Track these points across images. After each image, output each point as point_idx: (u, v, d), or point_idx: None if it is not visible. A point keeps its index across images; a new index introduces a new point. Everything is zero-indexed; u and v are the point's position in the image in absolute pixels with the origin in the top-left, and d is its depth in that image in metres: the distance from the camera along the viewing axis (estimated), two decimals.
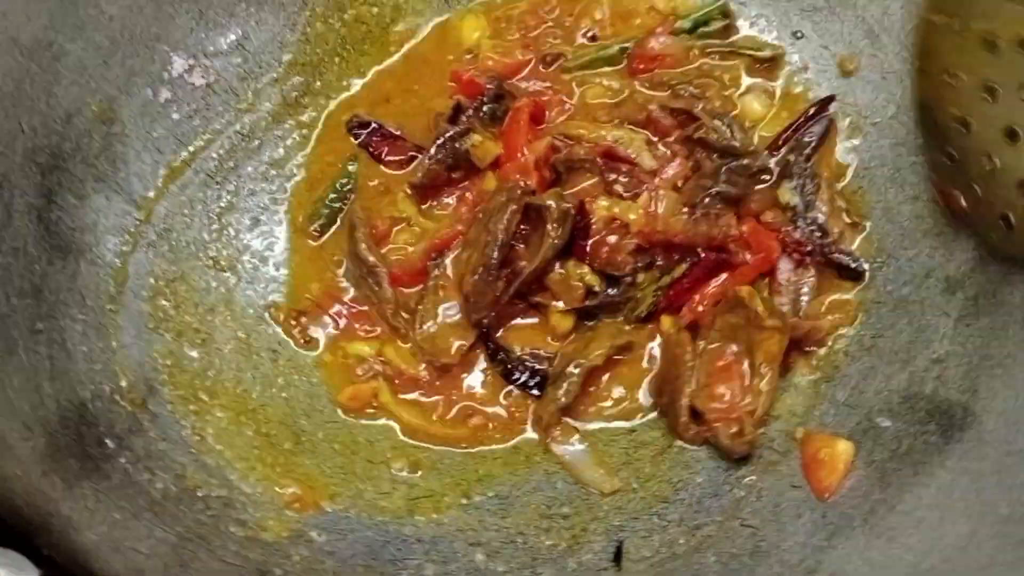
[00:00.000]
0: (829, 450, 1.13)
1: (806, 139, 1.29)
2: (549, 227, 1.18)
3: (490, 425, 1.21)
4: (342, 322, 1.26)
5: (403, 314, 1.23)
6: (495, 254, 1.17)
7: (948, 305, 1.17)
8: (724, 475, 1.17)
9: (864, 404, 1.17)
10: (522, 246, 1.21)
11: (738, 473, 1.17)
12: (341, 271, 1.28)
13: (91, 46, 1.22)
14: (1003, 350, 1.10)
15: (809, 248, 1.22)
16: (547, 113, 1.33)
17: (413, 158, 1.32)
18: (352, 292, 1.27)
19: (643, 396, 1.22)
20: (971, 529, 0.98)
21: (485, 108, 1.29)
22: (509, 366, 1.21)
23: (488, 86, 1.30)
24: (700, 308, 1.20)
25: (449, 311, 1.22)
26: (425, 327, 1.22)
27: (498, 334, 1.23)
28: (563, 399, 1.17)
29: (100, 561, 0.95)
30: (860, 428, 1.15)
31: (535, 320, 1.25)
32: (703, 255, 1.20)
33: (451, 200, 1.30)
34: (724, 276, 1.21)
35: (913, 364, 1.16)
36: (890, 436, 1.12)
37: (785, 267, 1.23)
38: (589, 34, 1.39)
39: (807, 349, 1.22)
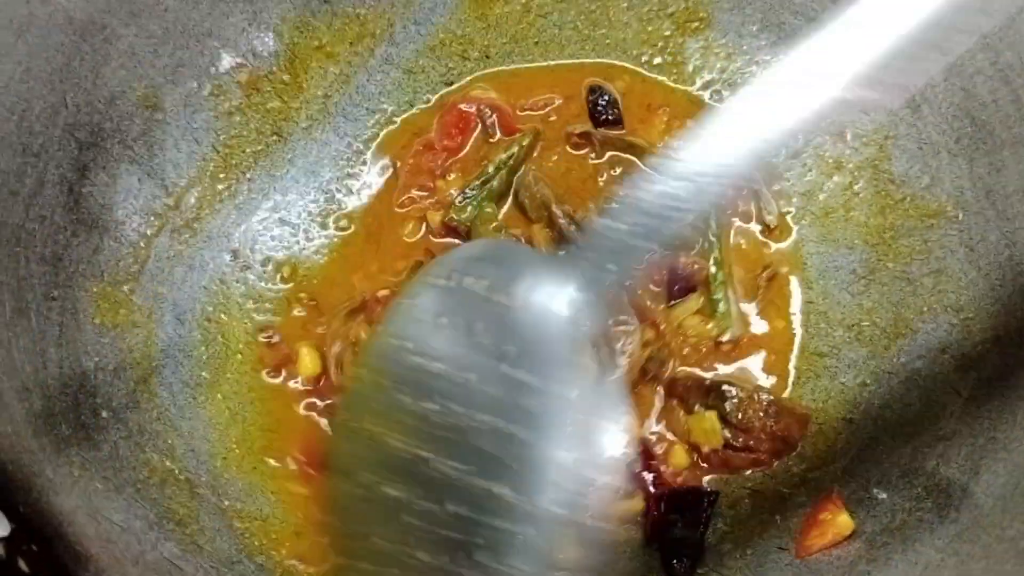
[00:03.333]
0: (831, 516, 1.11)
1: None
2: None
3: None
4: None
5: None
6: None
7: (960, 383, 1.14)
8: (713, 525, 1.15)
9: (862, 474, 1.14)
10: None
11: (726, 528, 1.15)
12: None
13: (143, 33, 1.26)
14: (1009, 433, 1.07)
15: None
16: None
17: None
18: None
19: None
20: None
21: None
22: None
23: None
24: None
25: None
26: None
27: None
28: None
29: (74, 525, 0.97)
30: (855, 497, 1.12)
31: None
32: None
33: None
34: None
35: (918, 439, 1.14)
36: (885, 509, 1.10)
37: None
38: None
39: None
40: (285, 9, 1.37)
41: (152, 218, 1.25)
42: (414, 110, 1.41)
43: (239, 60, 1.34)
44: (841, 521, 1.10)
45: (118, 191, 1.23)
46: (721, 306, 1.26)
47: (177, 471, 1.12)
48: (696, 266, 1.28)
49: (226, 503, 1.13)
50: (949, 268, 1.22)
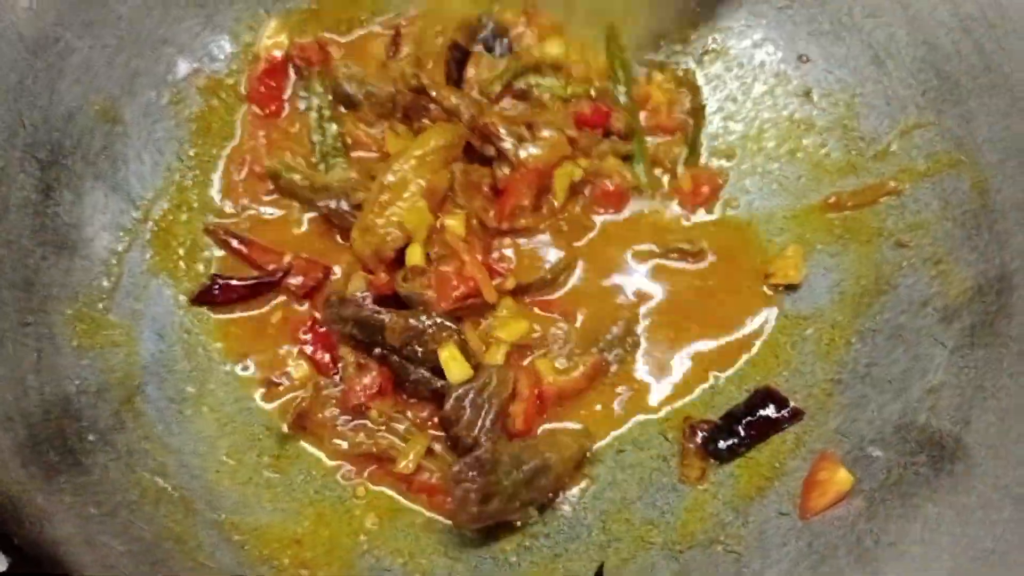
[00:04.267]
0: (829, 474, 1.11)
1: None
2: None
3: None
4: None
5: None
6: None
7: (944, 335, 1.15)
8: (711, 499, 1.16)
9: (856, 433, 1.15)
10: None
11: (725, 498, 1.15)
12: None
13: (98, 44, 1.23)
14: (997, 382, 1.08)
15: None
16: None
17: None
18: None
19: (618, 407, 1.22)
20: (955, 565, 0.97)
21: None
22: None
23: None
24: None
25: None
26: None
27: None
28: None
29: (72, 554, 0.95)
30: (851, 457, 1.13)
31: None
32: None
33: None
34: None
35: (907, 394, 1.14)
36: (880, 466, 1.10)
37: None
38: None
39: None
40: (239, 10, 1.35)
41: (121, 233, 1.23)
42: None
43: (196, 65, 1.32)
44: (840, 477, 1.11)
45: (84, 209, 1.21)
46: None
47: (170, 489, 1.11)
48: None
49: (223, 516, 1.12)
50: (925, 221, 1.22)
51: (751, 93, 1.37)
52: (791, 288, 1.26)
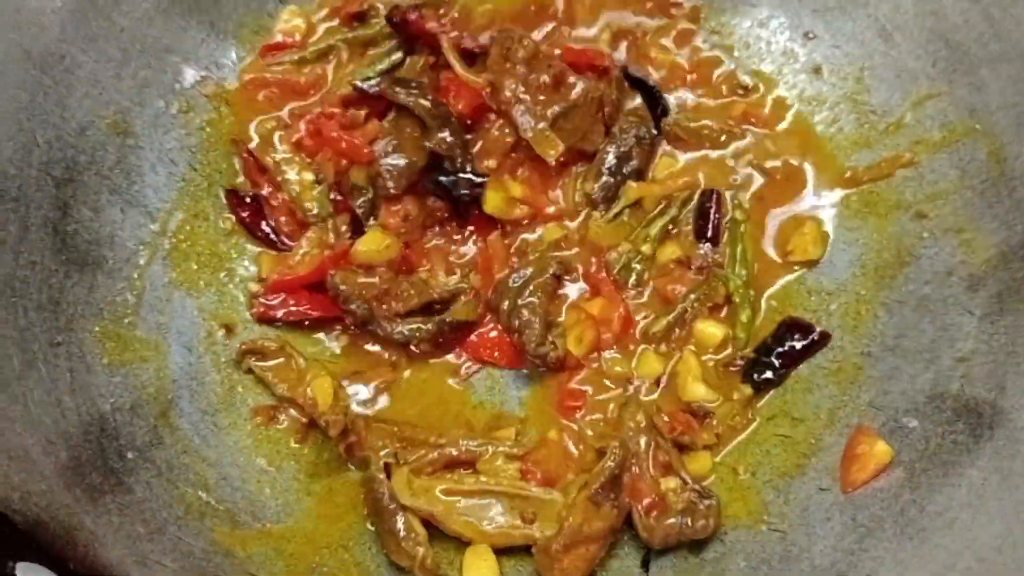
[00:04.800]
0: (867, 448, 1.12)
1: None
2: None
3: None
4: None
5: None
6: None
7: (971, 303, 1.16)
8: (751, 479, 1.16)
9: (890, 405, 1.16)
10: None
11: (765, 477, 1.16)
12: None
13: (103, 58, 1.21)
14: None
15: None
16: None
17: None
18: None
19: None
20: (1006, 528, 0.98)
21: None
22: None
23: None
24: None
25: None
26: None
27: None
28: None
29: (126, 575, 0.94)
30: (887, 429, 1.14)
31: None
32: None
33: None
34: None
35: (938, 363, 1.15)
36: (918, 436, 1.11)
37: None
38: None
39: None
40: (241, 14, 1.33)
41: (141, 247, 1.22)
42: None
43: (203, 72, 1.30)
44: (879, 450, 1.12)
45: (103, 224, 1.19)
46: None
47: (214, 502, 1.10)
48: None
49: (267, 525, 1.11)
50: (944, 191, 1.23)
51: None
52: (811, 264, 1.27)
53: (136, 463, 1.08)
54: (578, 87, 1.24)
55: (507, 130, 1.24)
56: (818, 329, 1.21)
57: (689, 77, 1.36)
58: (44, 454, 1.00)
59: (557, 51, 1.28)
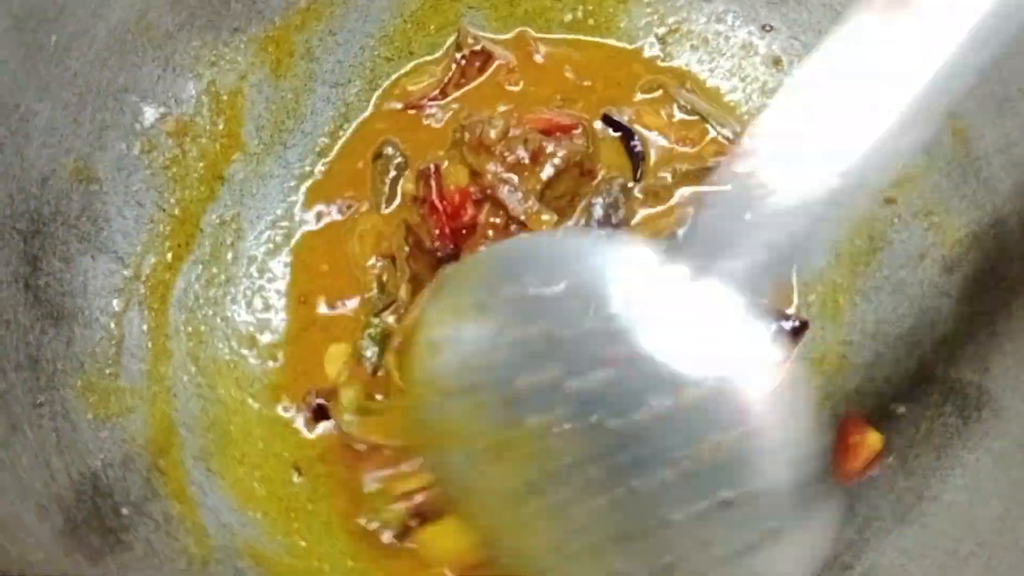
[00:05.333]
0: (859, 438, 1.13)
1: None
2: None
3: None
4: None
5: None
6: None
7: (948, 285, 1.17)
8: None
9: (876, 392, 1.17)
10: None
11: None
12: None
13: (59, 104, 1.18)
14: (1008, 326, 1.11)
15: None
16: None
17: None
18: None
19: None
20: (1004, 510, 0.99)
21: None
22: None
23: None
24: None
25: None
26: None
27: None
28: None
29: None
30: (875, 416, 1.15)
31: None
32: None
33: None
34: None
35: (920, 347, 1.17)
36: (907, 422, 1.13)
37: None
38: None
39: None
40: (195, 47, 1.31)
41: (116, 294, 1.19)
42: (353, 125, 1.37)
43: (162, 110, 1.28)
44: (871, 439, 1.13)
45: (74, 275, 1.16)
46: None
47: (215, 550, 1.09)
48: None
49: (271, 570, 1.10)
50: (910, 176, 1.24)
51: (716, 70, 1.38)
52: None
53: (133, 519, 1.06)
54: (559, 155, 1.23)
55: (499, 214, 1.23)
56: (796, 317, 1.22)
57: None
58: (39, 521, 0.98)
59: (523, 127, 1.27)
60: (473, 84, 1.38)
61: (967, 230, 1.18)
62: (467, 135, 1.24)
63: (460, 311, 0.88)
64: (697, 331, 0.79)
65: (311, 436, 1.20)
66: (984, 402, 1.08)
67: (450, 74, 1.37)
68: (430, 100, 1.37)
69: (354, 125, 1.37)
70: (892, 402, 1.15)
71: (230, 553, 1.09)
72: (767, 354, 0.80)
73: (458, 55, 1.37)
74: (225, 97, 1.32)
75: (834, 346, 1.22)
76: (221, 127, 1.32)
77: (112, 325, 1.18)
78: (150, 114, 1.27)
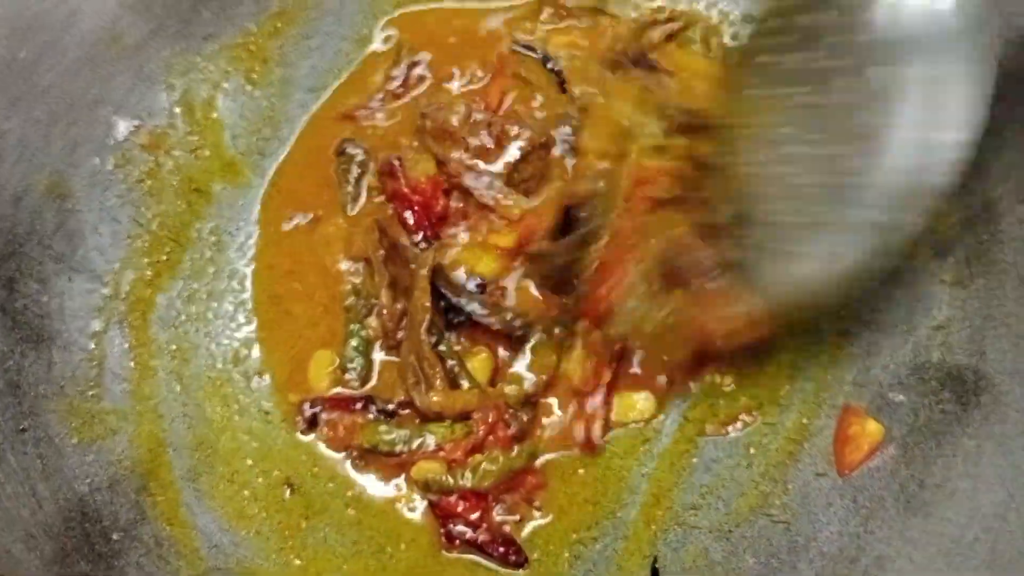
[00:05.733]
0: (859, 428, 1.12)
1: None
2: None
3: None
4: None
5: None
6: None
7: (941, 270, 1.16)
8: (746, 472, 1.16)
9: (874, 381, 1.16)
10: None
11: (760, 469, 1.15)
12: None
13: (30, 121, 1.15)
14: (1003, 309, 1.10)
15: None
16: None
17: None
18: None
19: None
20: (1007, 495, 0.98)
21: None
22: None
23: None
24: None
25: None
26: None
27: None
28: None
29: None
30: (874, 406, 1.14)
31: None
32: None
33: None
34: None
35: (916, 334, 1.15)
36: (906, 410, 1.12)
37: None
38: None
39: None
40: (166, 56, 1.28)
41: (95, 313, 1.17)
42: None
43: (136, 122, 1.25)
44: (871, 429, 1.12)
45: (51, 296, 1.14)
46: None
47: (209, 572, 1.06)
48: None
49: None
50: None
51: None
52: None
53: (123, 543, 1.03)
54: (523, 137, 1.21)
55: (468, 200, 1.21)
56: None
57: None
58: (28, 550, 0.95)
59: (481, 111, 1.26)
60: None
61: (958, 215, 1.17)
62: (429, 123, 1.21)
63: None
64: None
65: (302, 451, 1.17)
66: (983, 387, 1.07)
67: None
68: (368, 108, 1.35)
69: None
70: (891, 390, 1.14)
71: (224, 574, 1.07)
72: None
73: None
74: (199, 107, 1.30)
75: (830, 336, 1.21)
76: (196, 138, 1.29)
77: (92, 346, 1.15)
78: (123, 127, 1.24)
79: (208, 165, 1.29)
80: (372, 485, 1.15)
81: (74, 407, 1.10)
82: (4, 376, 1.05)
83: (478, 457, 1.12)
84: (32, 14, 1.15)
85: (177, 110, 1.28)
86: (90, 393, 1.12)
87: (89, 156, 1.21)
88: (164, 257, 1.23)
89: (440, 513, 1.11)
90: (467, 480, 1.11)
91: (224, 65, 1.31)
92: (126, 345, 1.17)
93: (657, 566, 1.11)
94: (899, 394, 1.13)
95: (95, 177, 1.21)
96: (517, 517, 1.12)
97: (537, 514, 1.13)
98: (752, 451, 1.17)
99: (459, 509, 1.10)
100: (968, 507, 1.00)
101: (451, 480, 1.11)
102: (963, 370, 1.10)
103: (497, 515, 1.12)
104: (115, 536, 1.04)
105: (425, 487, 1.12)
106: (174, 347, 1.20)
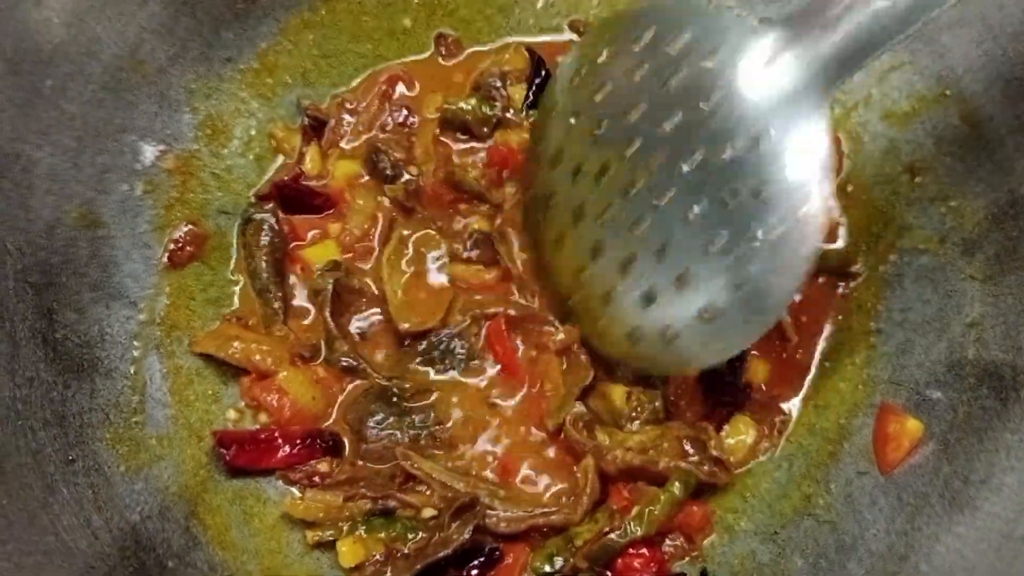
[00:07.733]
0: (899, 426, 1.13)
1: None
2: None
3: None
4: None
5: None
6: None
7: (971, 267, 1.17)
8: (787, 474, 1.16)
9: (909, 379, 1.17)
10: None
11: (801, 470, 1.16)
12: None
13: (58, 150, 1.15)
14: None
15: None
16: None
17: None
18: None
19: None
20: None
21: None
22: None
23: None
24: None
25: None
26: None
27: None
28: None
29: None
30: (912, 404, 1.15)
31: None
32: None
33: None
34: None
35: (949, 331, 1.16)
36: (944, 407, 1.12)
37: None
38: None
39: None
40: (189, 80, 1.27)
41: (133, 340, 1.16)
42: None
43: (161, 147, 1.25)
44: (911, 427, 1.13)
45: (90, 324, 1.13)
46: None
47: None
48: None
49: None
50: (923, 163, 1.24)
51: None
52: None
53: (178, 570, 1.03)
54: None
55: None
56: None
57: None
58: None
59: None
60: None
61: (985, 212, 1.18)
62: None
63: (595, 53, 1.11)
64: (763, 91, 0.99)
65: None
66: (1021, 382, 1.08)
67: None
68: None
69: None
70: (927, 388, 1.15)
71: None
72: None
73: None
74: (222, 129, 1.29)
75: (863, 336, 1.22)
76: (221, 161, 1.28)
77: (133, 371, 1.15)
78: (149, 152, 1.24)
79: (234, 188, 1.29)
80: None
81: (120, 435, 1.10)
82: (50, 407, 1.05)
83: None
84: (53, 46, 1.14)
85: (200, 133, 1.28)
86: (134, 420, 1.12)
87: (118, 183, 1.20)
88: (197, 281, 1.23)
89: None
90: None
91: (246, 88, 1.31)
92: (165, 370, 1.17)
93: (706, 572, 1.12)
94: (936, 391, 1.14)
95: (125, 203, 1.20)
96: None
97: None
98: (792, 451, 1.18)
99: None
100: (1016, 502, 1.01)
101: None
102: (1000, 366, 1.11)
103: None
104: (170, 564, 1.04)
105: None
106: (212, 370, 1.19)
